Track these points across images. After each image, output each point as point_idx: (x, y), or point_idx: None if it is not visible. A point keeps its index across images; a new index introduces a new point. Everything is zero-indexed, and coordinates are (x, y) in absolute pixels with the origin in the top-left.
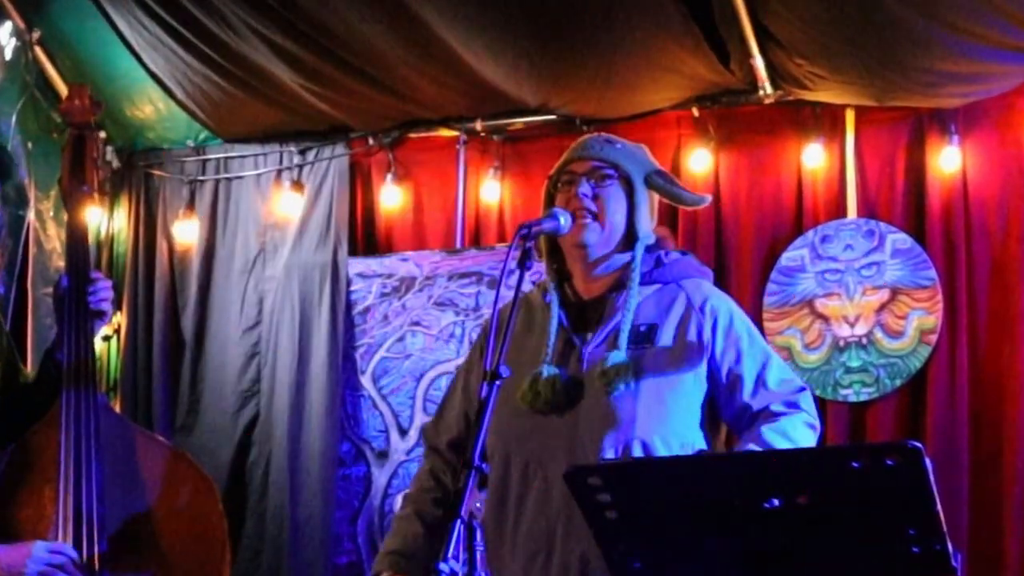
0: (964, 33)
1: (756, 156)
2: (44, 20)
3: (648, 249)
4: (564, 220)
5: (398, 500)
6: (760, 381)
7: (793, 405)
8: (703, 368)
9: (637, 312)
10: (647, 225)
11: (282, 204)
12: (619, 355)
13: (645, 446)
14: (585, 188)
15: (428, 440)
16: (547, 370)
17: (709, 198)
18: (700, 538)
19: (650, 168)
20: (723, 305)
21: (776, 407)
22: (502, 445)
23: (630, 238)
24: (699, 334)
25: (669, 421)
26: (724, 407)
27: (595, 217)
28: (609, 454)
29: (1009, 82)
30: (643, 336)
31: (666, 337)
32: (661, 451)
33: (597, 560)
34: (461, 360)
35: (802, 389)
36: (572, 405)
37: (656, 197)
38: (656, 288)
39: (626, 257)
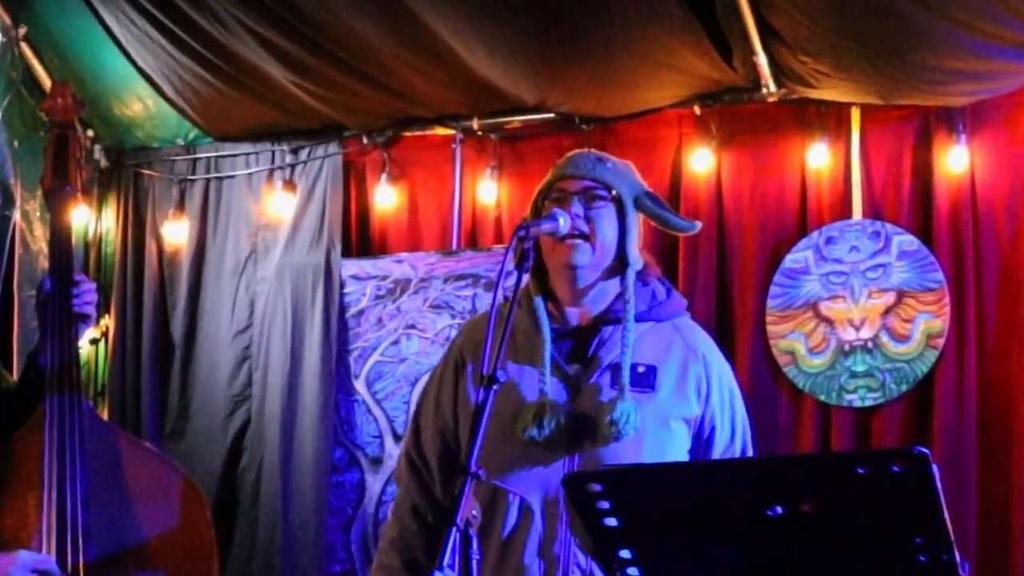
0: (972, 30)
1: (759, 156)
2: (30, 16)
3: (637, 275)
4: (563, 221)
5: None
6: (730, 449)
7: None
8: (694, 418)
9: (634, 351)
10: (636, 249)
11: (274, 204)
12: (631, 407)
13: None
14: (577, 208)
15: (411, 459)
16: (551, 403)
17: (699, 225)
18: (701, 546)
19: (640, 190)
20: (716, 357)
21: None
22: (494, 473)
23: (619, 262)
24: (697, 385)
25: None
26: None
27: (586, 239)
28: None
29: (1018, 80)
30: (642, 378)
31: (667, 383)
32: None
33: None
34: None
35: None
36: (571, 441)
37: (643, 219)
38: (651, 326)
39: (613, 284)
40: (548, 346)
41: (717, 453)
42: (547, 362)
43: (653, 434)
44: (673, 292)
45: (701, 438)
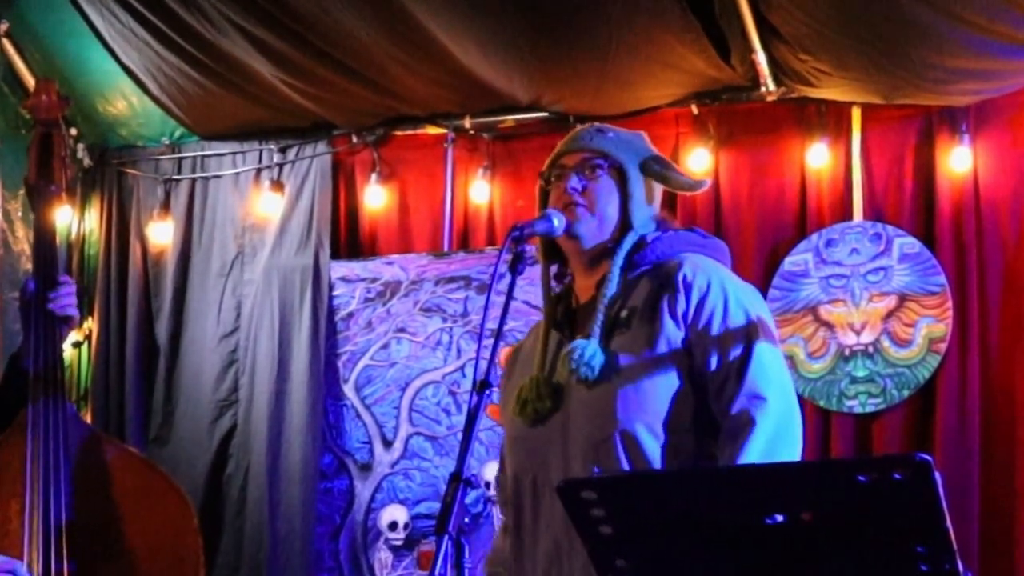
0: (976, 27)
1: (758, 156)
2: (12, 12)
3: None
4: (558, 221)
5: (383, 515)
6: (722, 357)
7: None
8: (680, 342)
9: (624, 299)
10: (644, 214)
11: (261, 204)
12: (586, 344)
13: (630, 437)
14: (574, 182)
15: (500, 482)
16: (530, 380)
17: (707, 182)
18: (698, 555)
19: (646, 154)
20: (701, 274)
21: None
22: (513, 464)
23: (625, 229)
24: (672, 308)
25: (650, 407)
26: (698, 375)
27: (587, 209)
28: (591, 453)
29: (1022, 79)
30: (622, 322)
31: (639, 318)
32: (648, 441)
33: None
34: (448, 368)
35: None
36: (558, 408)
37: (658, 185)
38: (642, 271)
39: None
40: (548, 327)
41: (712, 357)
42: (548, 341)
43: (631, 373)
44: (678, 233)
45: (698, 354)
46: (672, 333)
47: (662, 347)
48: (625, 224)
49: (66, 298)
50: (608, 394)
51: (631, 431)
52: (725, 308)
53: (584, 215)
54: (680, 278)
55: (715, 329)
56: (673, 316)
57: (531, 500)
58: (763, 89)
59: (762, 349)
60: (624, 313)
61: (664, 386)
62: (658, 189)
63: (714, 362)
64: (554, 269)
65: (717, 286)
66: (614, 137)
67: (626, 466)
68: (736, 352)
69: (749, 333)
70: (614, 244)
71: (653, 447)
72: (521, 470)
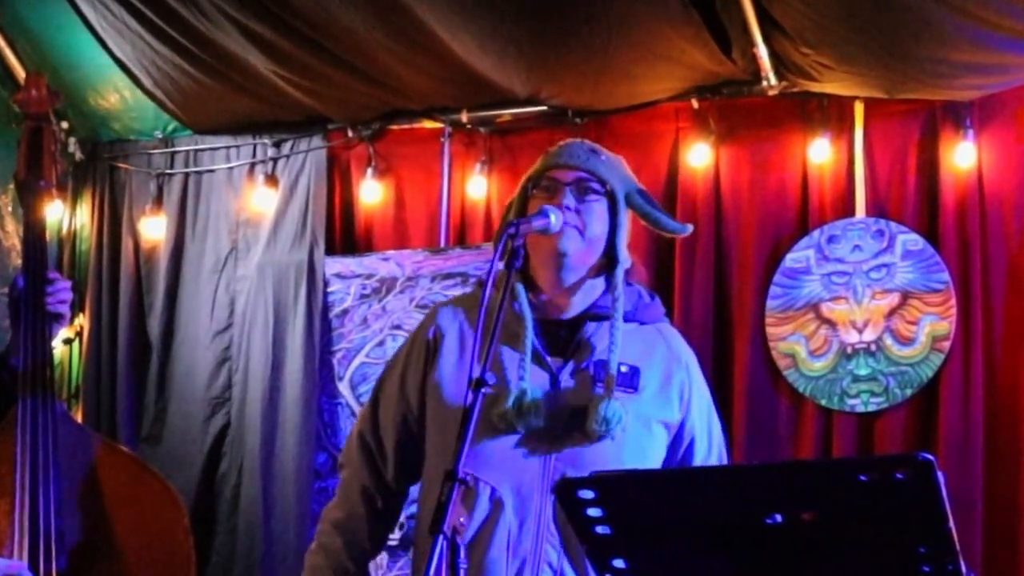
0: (980, 21)
1: (759, 151)
2: (3, 4)
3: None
4: (555, 219)
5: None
6: (710, 459)
7: None
8: (674, 426)
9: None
10: (625, 248)
11: (255, 199)
12: (618, 407)
13: None
14: (569, 200)
15: (364, 440)
16: (531, 392)
17: (691, 228)
18: (697, 556)
19: (632, 186)
20: (697, 369)
21: None
22: (467, 463)
23: (607, 259)
24: (680, 392)
25: None
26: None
27: (577, 230)
28: None
29: None
30: (626, 378)
31: (651, 386)
32: None
33: None
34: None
35: None
36: (549, 433)
37: (631, 217)
38: (635, 327)
39: (602, 283)
40: (530, 334)
41: (697, 463)
42: (528, 350)
43: (634, 436)
44: (655, 297)
45: (679, 446)
46: (675, 412)
47: (664, 422)
48: (610, 255)
49: (62, 293)
50: (616, 453)
51: None
52: (708, 412)
53: (574, 235)
54: (686, 365)
55: (701, 429)
56: (680, 398)
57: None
58: (764, 83)
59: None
60: (626, 370)
61: (656, 456)
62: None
63: (703, 447)
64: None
65: (704, 387)
66: (607, 161)
67: None
68: (714, 441)
69: (718, 428)
70: (594, 276)
71: None
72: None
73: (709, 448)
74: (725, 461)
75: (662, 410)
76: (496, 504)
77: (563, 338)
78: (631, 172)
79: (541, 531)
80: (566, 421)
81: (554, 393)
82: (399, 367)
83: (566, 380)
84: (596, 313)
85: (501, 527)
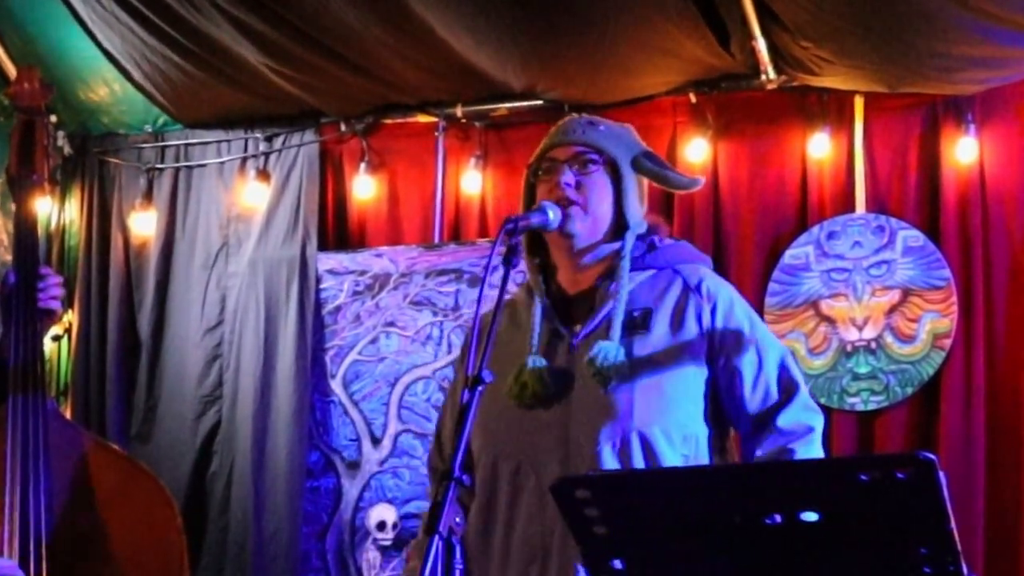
0: (982, 14)
1: (758, 146)
2: None
3: (640, 237)
4: (553, 214)
5: (371, 514)
6: (760, 384)
7: (807, 431)
8: (703, 354)
9: (630, 299)
10: (637, 212)
11: (247, 194)
12: (612, 346)
13: (644, 439)
14: (567, 176)
15: (434, 469)
16: (533, 361)
17: (702, 180)
18: (696, 556)
19: (637, 150)
20: (723, 289)
21: (784, 422)
22: (490, 447)
23: (619, 227)
24: (698, 318)
25: (669, 411)
26: (724, 400)
27: (579, 206)
28: (606, 448)
29: None
30: (638, 322)
31: (662, 322)
32: (662, 444)
33: None
34: (439, 364)
35: (812, 410)
36: (562, 397)
37: (646, 182)
38: (650, 274)
39: (615, 245)
40: (538, 309)
41: (748, 383)
42: (536, 323)
43: (650, 376)
44: (681, 243)
45: (722, 373)
46: (696, 341)
47: (685, 354)
48: (620, 222)
49: (53, 288)
50: (627, 395)
51: (647, 433)
52: (751, 326)
53: (578, 214)
54: (706, 290)
55: (744, 347)
56: (699, 325)
57: (510, 487)
58: (763, 77)
59: (780, 361)
60: (638, 314)
61: (683, 392)
62: (645, 187)
63: (748, 382)
64: (536, 261)
65: (739, 307)
66: (606, 131)
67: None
68: (759, 371)
69: (768, 348)
70: (608, 242)
71: (668, 451)
72: (502, 454)
73: (760, 363)
74: (793, 369)
75: (681, 344)
76: (519, 475)
77: (579, 307)
78: (637, 137)
79: None
80: (572, 380)
81: (569, 356)
82: (450, 394)
83: (579, 341)
84: (609, 274)
85: (527, 495)
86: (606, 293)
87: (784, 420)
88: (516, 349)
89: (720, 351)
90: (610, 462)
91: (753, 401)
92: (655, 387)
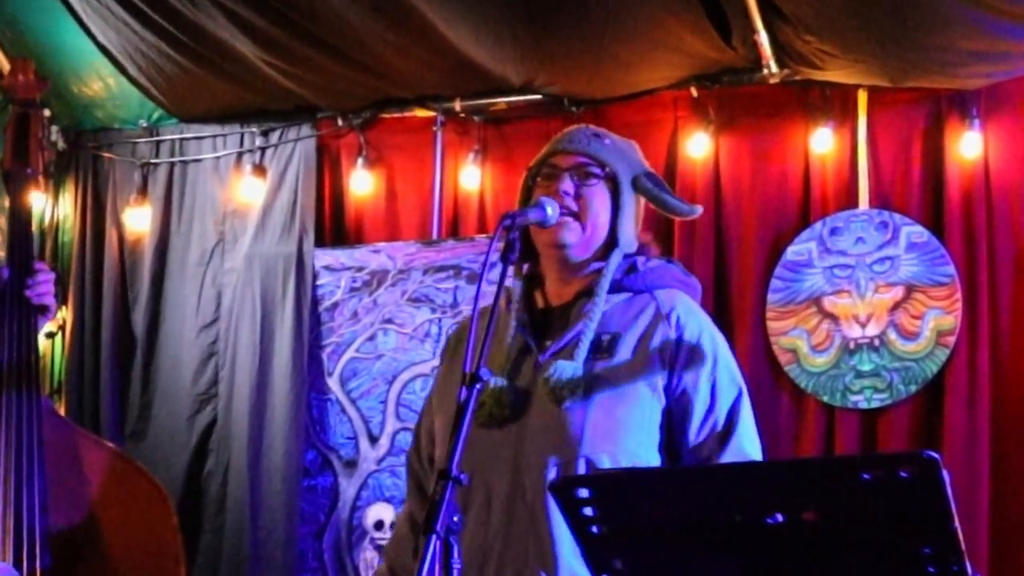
0: (988, 8)
1: (759, 141)
2: None
3: (627, 256)
4: (551, 210)
5: (368, 514)
6: (707, 426)
7: None
8: (661, 385)
9: (604, 321)
10: (630, 231)
11: (243, 190)
12: (570, 366)
13: (590, 464)
14: (567, 185)
15: (410, 464)
16: (494, 381)
17: (700, 209)
18: (696, 557)
19: (640, 169)
20: (693, 320)
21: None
22: (445, 455)
23: (610, 244)
24: (662, 347)
25: (619, 438)
26: (675, 434)
27: (576, 217)
28: (552, 472)
29: None
30: (604, 346)
31: (627, 348)
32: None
33: None
34: (437, 361)
35: None
36: (518, 418)
37: (643, 203)
38: (626, 296)
39: (600, 264)
40: (512, 327)
41: (695, 421)
42: (509, 338)
43: (604, 400)
44: (668, 265)
45: (675, 403)
46: (655, 372)
47: (642, 381)
48: (611, 239)
49: (43, 286)
50: (579, 419)
51: (593, 459)
52: (713, 365)
53: (572, 224)
54: (675, 318)
55: (701, 384)
56: (661, 355)
57: (461, 497)
58: (765, 71)
59: (746, 414)
60: (606, 337)
61: (636, 420)
62: (642, 207)
63: (698, 416)
64: (526, 268)
65: (707, 340)
66: (611, 144)
67: None
68: (722, 414)
69: (732, 390)
70: (599, 258)
71: None
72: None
73: (712, 406)
74: (742, 420)
75: (642, 372)
76: (470, 486)
77: (555, 322)
78: (641, 156)
79: (501, 526)
80: (528, 398)
81: (532, 375)
82: (432, 388)
83: (543, 361)
84: (587, 291)
85: (475, 507)
86: (580, 312)
87: (724, 460)
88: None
89: (677, 385)
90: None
91: (696, 439)
92: (608, 412)
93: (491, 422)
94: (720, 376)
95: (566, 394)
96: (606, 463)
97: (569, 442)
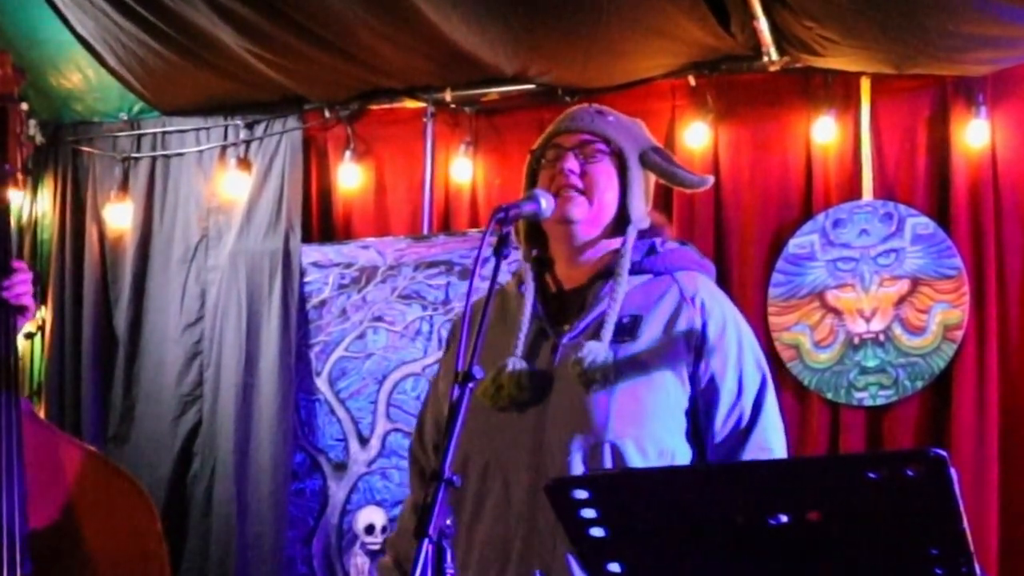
0: None
1: (760, 130)
2: None
3: (642, 235)
4: (545, 203)
5: (359, 517)
6: (733, 415)
7: None
8: (688, 371)
9: (624, 303)
10: (641, 207)
11: (227, 184)
12: (601, 347)
13: (616, 449)
14: (572, 163)
15: (413, 454)
16: (513, 363)
17: (711, 179)
18: (698, 558)
19: (646, 144)
20: (719, 306)
21: (747, 456)
22: (461, 443)
23: (621, 221)
24: (688, 332)
25: (646, 424)
26: (701, 423)
27: (581, 194)
28: (576, 457)
29: None
30: (626, 329)
31: (651, 331)
32: (634, 456)
33: None
34: (428, 360)
35: None
36: (538, 402)
37: (652, 178)
38: (647, 278)
39: (616, 242)
40: (528, 307)
41: (722, 411)
42: (524, 321)
43: (630, 385)
44: (684, 247)
45: (701, 393)
46: (681, 354)
47: (668, 366)
48: (622, 217)
49: (21, 286)
50: (604, 404)
51: (619, 444)
52: (739, 353)
53: (580, 200)
54: (700, 303)
55: (728, 373)
56: (687, 341)
57: (476, 486)
58: (765, 59)
59: (771, 402)
60: (627, 319)
61: (663, 405)
62: (652, 184)
63: (725, 405)
64: (534, 253)
65: (732, 326)
66: (615, 121)
67: None
68: (748, 404)
69: (760, 385)
70: (609, 237)
71: (639, 464)
72: (471, 452)
73: (739, 392)
74: (768, 405)
75: (666, 356)
76: (486, 474)
77: (571, 305)
78: (647, 131)
79: (527, 509)
80: (551, 381)
81: (552, 359)
82: (435, 376)
83: (565, 344)
84: (605, 272)
85: (493, 496)
86: (599, 293)
87: (747, 455)
88: (500, 346)
89: (705, 372)
90: (579, 471)
91: (722, 431)
92: (634, 397)
93: (509, 405)
94: (746, 365)
95: (598, 377)
96: (631, 448)
97: (594, 427)
